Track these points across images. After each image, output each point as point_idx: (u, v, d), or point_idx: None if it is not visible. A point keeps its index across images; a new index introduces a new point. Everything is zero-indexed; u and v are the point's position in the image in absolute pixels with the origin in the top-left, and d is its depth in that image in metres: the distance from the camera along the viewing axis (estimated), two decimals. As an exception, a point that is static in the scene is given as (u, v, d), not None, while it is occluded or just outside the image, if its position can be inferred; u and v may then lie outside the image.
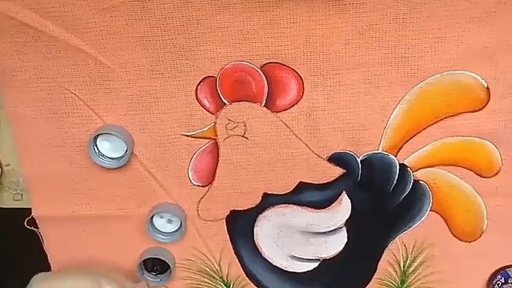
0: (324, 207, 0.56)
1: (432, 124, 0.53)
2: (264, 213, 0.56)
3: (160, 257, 0.57)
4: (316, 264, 0.58)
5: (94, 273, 0.53)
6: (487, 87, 0.51)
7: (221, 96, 0.51)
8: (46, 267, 0.59)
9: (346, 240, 0.57)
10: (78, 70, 0.51)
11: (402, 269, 0.59)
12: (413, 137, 0.53)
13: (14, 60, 0.50)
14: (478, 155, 0.53)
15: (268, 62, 0.50)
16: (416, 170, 0.54)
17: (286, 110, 0.52)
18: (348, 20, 0.48)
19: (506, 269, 0.58)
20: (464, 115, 0.52)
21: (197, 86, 0.51)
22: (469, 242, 0.57)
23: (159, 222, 0.57)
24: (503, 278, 0.58)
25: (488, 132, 0.52)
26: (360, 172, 0.54)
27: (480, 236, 0.57)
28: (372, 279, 0.60)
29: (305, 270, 0.59)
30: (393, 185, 0.55)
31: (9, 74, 0.51)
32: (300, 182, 0.55)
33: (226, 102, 0.52)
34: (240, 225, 0.57)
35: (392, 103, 0.52)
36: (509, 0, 0.47)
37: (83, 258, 0.59)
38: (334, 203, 0.56)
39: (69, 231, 0.58)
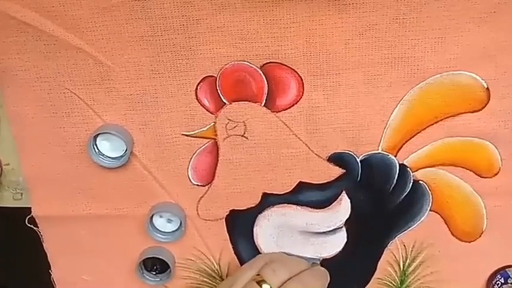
0: (323, 207, 0.56)
1: (432, 124, 0.53)
2: (263, 213, 0.56)
3: (160, 257, 0.57)
4: (315, 264, 0.58)
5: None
6: (487, 88, 0.51)
7: (221, 96, 0.51)
8: (46, 267, 0.60)
9: (345, 240, 0.57)
10: (78, 69, 0.51)
11: (402, 268, 0.59)
12: (413, 137, 0.53)
13: (14, 59, 0.50)
14: (478, 155, 0.53)
15: (268, 62, 0.50)
16: (416, 170, 0.54)
17: (286, 110, 0.52)
18: (348, 20, 0.48)
19: (506, 269, 0.58)
20: (464, 115, 0.52)
21: (197, 86, 0.51)
22: (469, 242, 0.57)
23: (159, 222, 0.57)
24: (503, 278, 0.58)
25: (488, 132, 0.52)
26: (359, 172, 0.54)
27: (480, 236, 0.57)
28: (372, 279, 0.60)
29: (305, 270, 0.59)
30: (393, 185, 0.55)
31: (10, 73, 0.51)
32: (300, 182, 0.55)
33: (226, 102, 0.52)
34: (240, 225, 0.57)
35: (392, 103, 0.52)
36: (509, 0, 0.47)
37: (83, 258, 0.59)
38: (333, 203, 0.56)
39: (69, 231, 0.58)
